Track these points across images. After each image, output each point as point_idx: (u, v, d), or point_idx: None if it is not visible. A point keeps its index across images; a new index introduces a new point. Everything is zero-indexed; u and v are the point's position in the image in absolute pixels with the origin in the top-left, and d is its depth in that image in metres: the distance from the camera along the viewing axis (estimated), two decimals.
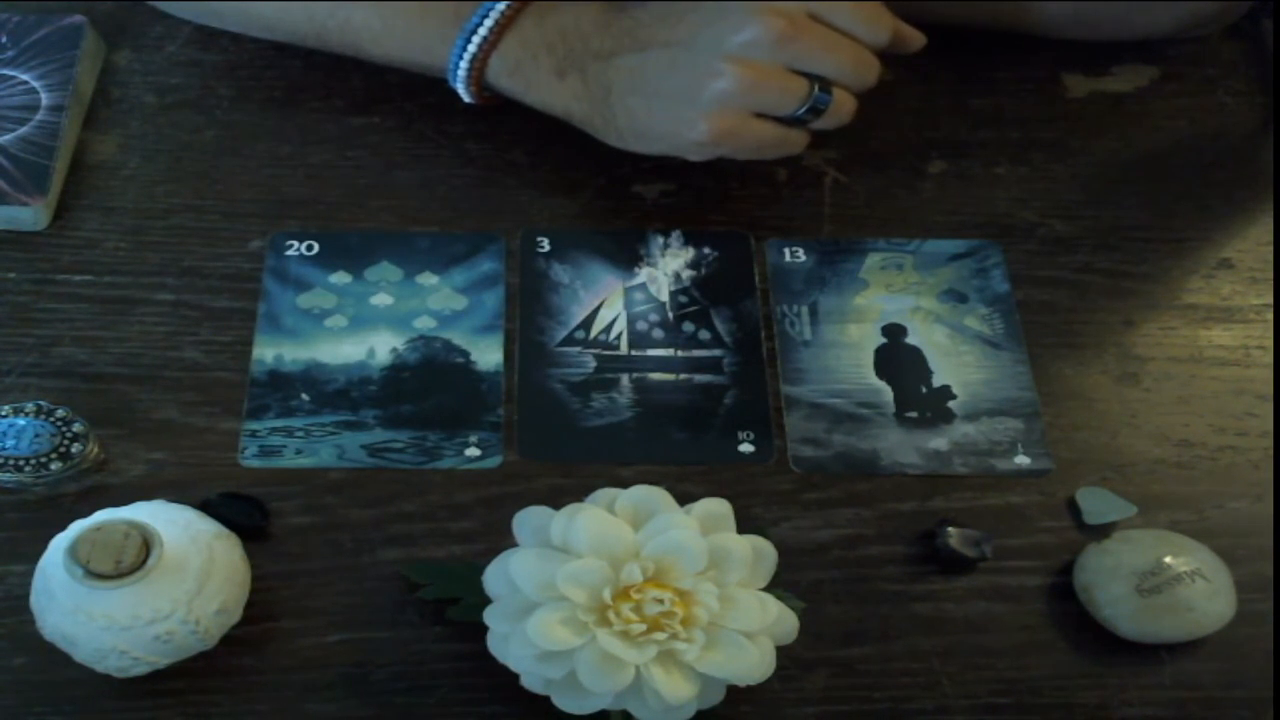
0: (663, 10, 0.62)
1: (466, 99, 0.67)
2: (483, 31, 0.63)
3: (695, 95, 0.61)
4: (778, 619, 0.50)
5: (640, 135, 0.64)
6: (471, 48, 0.64)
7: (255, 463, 0.59)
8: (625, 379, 0.62)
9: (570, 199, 0.68)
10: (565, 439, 0.60)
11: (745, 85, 0.60)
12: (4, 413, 0.58)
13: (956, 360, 0.64)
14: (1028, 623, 0.56)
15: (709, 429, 0.61)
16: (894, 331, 0.65)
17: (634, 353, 0.63)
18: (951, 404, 0.62)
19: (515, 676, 0.50)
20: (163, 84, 0.72)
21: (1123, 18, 0.73)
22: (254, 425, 0.60)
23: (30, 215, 0.65)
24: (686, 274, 0.66)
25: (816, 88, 0.62)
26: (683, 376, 0.63)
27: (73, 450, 0.57)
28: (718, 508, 0.51)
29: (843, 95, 0.63)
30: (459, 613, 0.54)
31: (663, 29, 0.61)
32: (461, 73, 0.65)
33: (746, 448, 0.60)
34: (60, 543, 0.50)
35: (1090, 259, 0.68)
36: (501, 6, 0.63)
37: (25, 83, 0.69)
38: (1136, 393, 0.63)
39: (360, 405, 0.61)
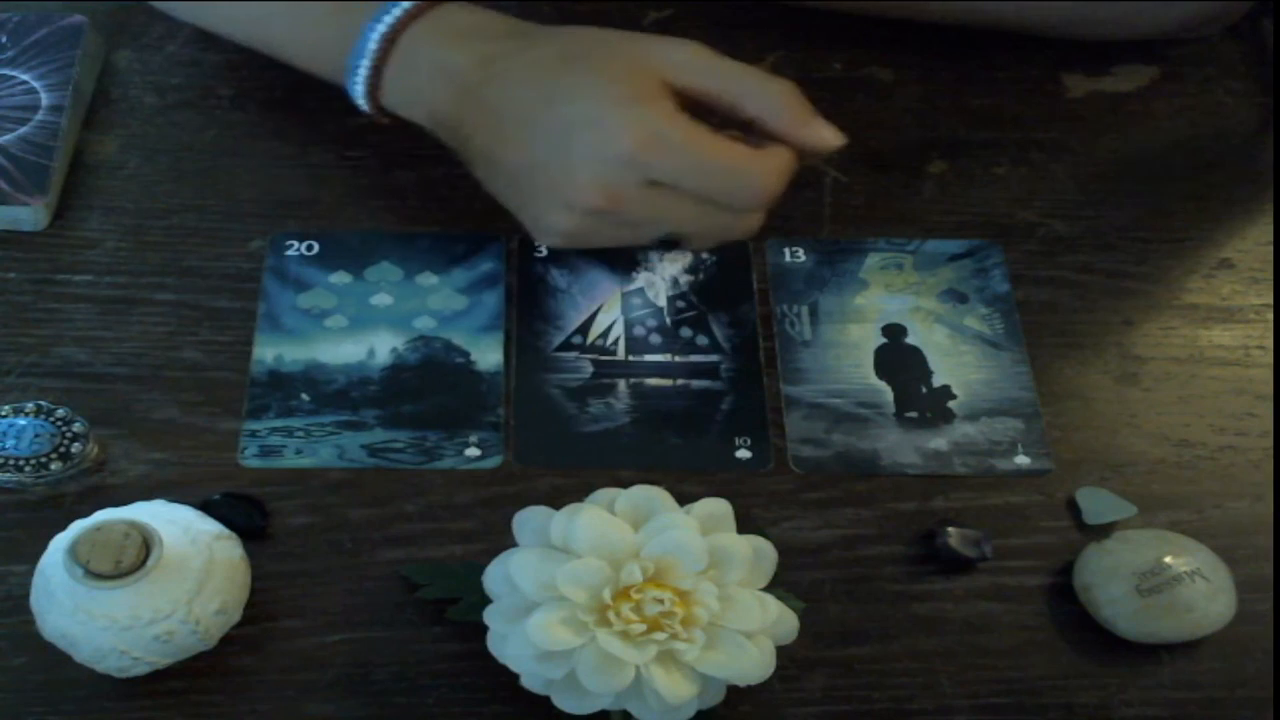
0: (517, 109, 0.59)
1: (385, 123, 0.65)
2: (363, 73, 0.62)
3: (533, 218, 0.61)
4: (778, 619, 0.50)
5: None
6: (359, 87, 0.62)
7: (255, 463, 0.59)
8: (622, 384, 0.62)
9: None
10: (562, 444, 0.60)
11: (573, 232, 0.60)
12: (4, 413, 0.58)
13: (956, 360, 0.64)
14: (1028, 623, 0.56)
15: (706, 435, 0.61)
16: (894, 331, 0.65)
17: (631, 358, 0.63)
18: (951, 404, 0.62)
19: (515, 676, 0.50)
20: (163, 84, 0.72)
21: (1124, 17, 0.73)
22: (254, 425, 0.60)
23: (30, 215, 0.65)
24: (684, 279, 0.66)
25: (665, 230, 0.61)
26: (680, 382, 0.63)
27: (73, 450, 0.57)
28: (718, 508, 0.51)
29: (701, 236, 0.62)
30: (459, 613, 0.54)
31: (514, 137, 0.59)
32: (365, 109, 0.64)
33: (743, 454, 0.60)
34: (60, 543, 0.50)
35: (1090, 259, 0.68)
36: (372, 47, 0.61)
37: (25, 83, 0.69)
38: (1136, 393, 0.63)
39: (360, 405, 0.61)
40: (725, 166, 0.57)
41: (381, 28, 0.61)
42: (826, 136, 0.59)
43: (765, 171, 0.58)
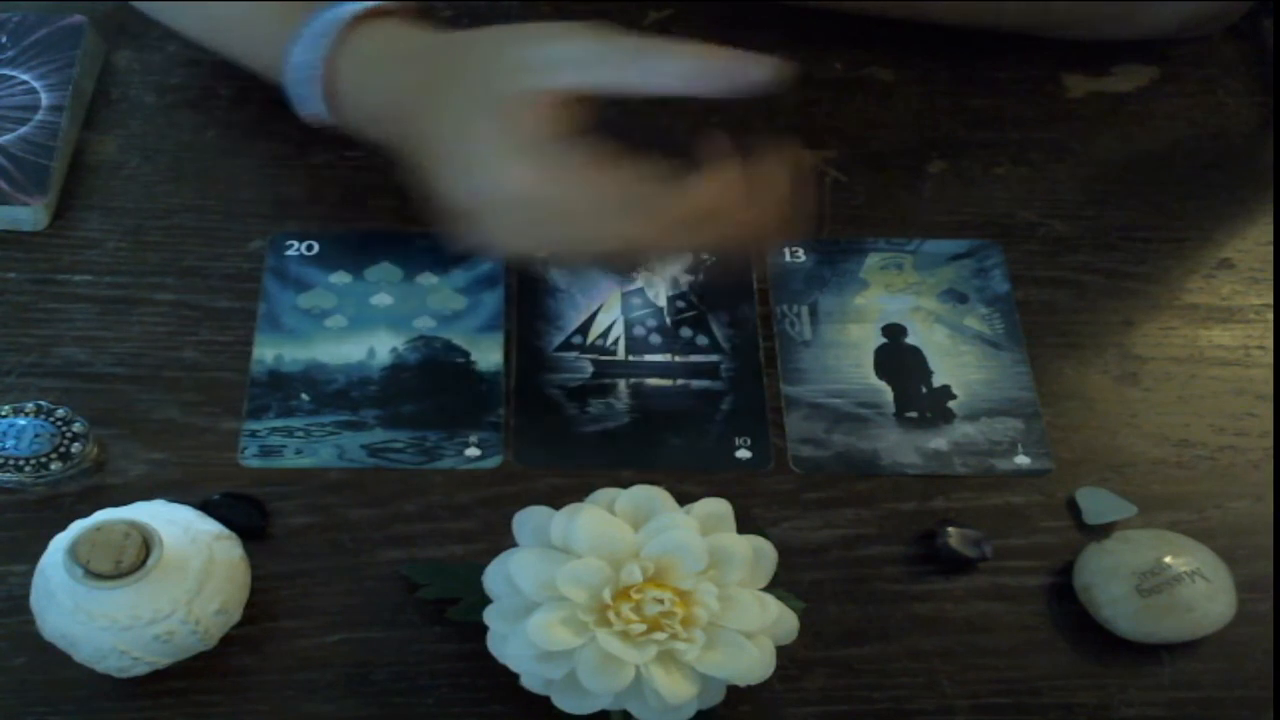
0: (434, 164, 0.58)
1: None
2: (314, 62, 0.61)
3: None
4: (778, 619, 0.50)
5: None
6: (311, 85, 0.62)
7: (255, 463, 0.59)
8: (622, 384, 0.62)
9: None
10: (562, 444, 0.60)
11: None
12: (4, 413, 0.58)
13: (956, 360, 0.64)
14: (1028, 623, 0.56)
15: (706, 435, 0.61)
16: (894, 331, 0.65)
17: (631, 358, 0.63)
18: (951, 404, 0.62)
19: (515, 676, 0.50)
20: (163, 84, 0.72)
21: (1124, 17, 0.73)
22: (254, 425, 0.60)
23: (30, 215, 0.65)
24: (684, 279, 0.66)
25: None
26: (680, 382, 0.63)
27: (73, 450, 0.57)
28: (718, 508, 0.51)
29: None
30: (459, 613, 0.54)
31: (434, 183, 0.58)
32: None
33: (743, 454, 0.60)
34: (60, 543, 0.50)
35: (1090, 259, 0.68)
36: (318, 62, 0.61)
37: (25, 83, 0.69)
38: (1136, 393, 0.63)
39: (360, 405, 0.61)
40: (590, 235, 0.55)
41: (315, 57, 0.60)
42: (756, 73, 0.53)
43: (657, 195, 0.54)
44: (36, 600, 0.50)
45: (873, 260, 0.67)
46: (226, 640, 0.52)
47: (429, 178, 0.59)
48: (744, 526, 0.51)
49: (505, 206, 0.56)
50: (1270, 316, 0.66)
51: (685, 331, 0.64)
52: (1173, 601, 0.55)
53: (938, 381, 0.63)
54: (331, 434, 0.60)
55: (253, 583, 0.53)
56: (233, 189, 0.68)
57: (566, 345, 0.63)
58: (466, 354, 0.63)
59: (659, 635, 0.48)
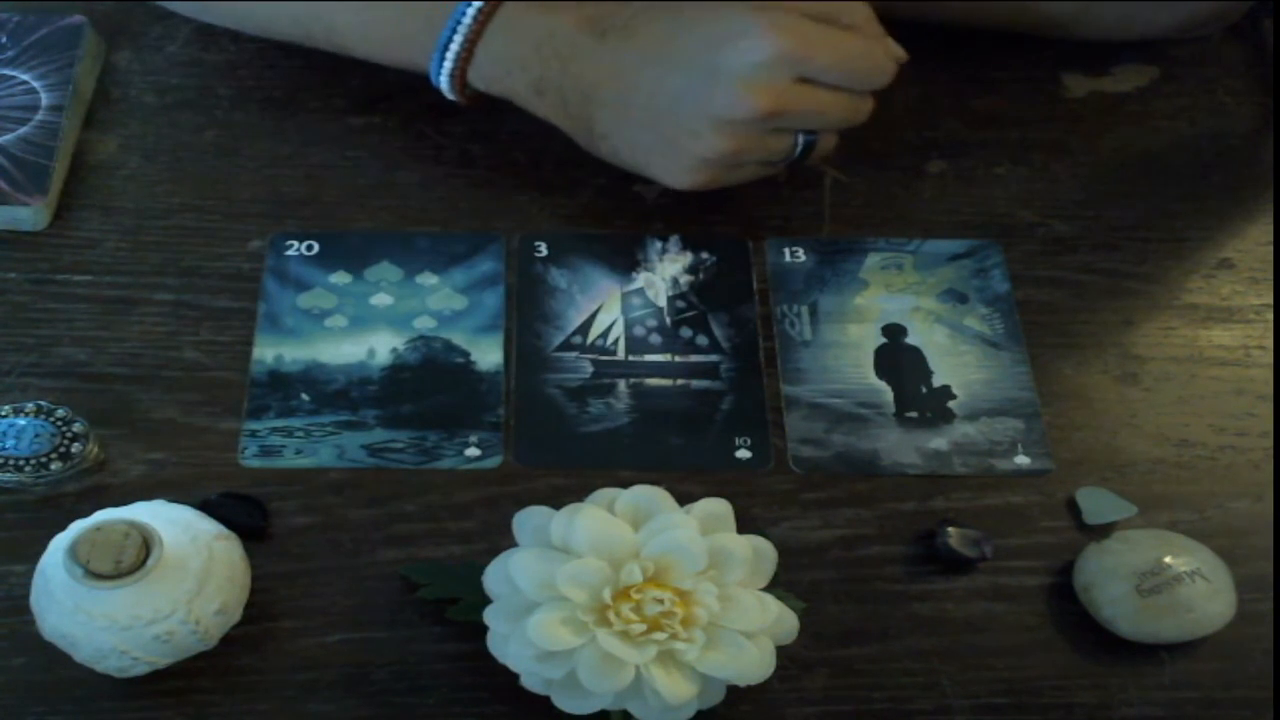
0: (645, 47, 0.61)
1: (463, 103, 0.67)
2: (454, 48, 0.63)
3: (677, 153, 0.62)
4: (778, 619, 0.50)
5: (623, 163, 0.65)
6: (448, 64, 0.64)
7: (255, 463, 0.59)
8: (622, 384, 0.62)
9: (570, 199, 0.68)
10: (562, 445, 0.60)
11: (727, 153, 0.62)
12: (4, 413, 0.58)
13: (956, 360, 0.64)
14: (1028, 623, 0.56)
15: (706, 435, 0.61)
16: (894, 331, 0.65)
17: (631, 358, 0.63)
18: (951, 404, 0.62)
19: (515, 676, 0.50)
20: (163, 84, 0.72)
21: (1123, 17, 0.73)
22: (254, 425, 0.60)
23: (30, 215, 0.65)
24: (684, 279, 0.66)
25: (800, 136, 0.63)
26: (680, 382, 0.63)
27: (73, 450, 0.57)
28: (718, 508, 0.51)
29: (829, 135, 0.64)
30: (459, 613, 0.54)
31: (646, 72, 0.61)
32: (445, 85, 0.65)
33: (743, 454, 0.60)
34: (60, 543, 0.50)
35: (1090, 259, 0.68)
36: (468, 21, 0.62)
37: (25, 83, 0.69)
38: (1136, 393, 0.63)
39: (360, 405, 0.61)
40: (860, 52, 0.60)
41: (478, 2, 0.62)
42: None
43: (885, 51, 0.62)
44: (36, 600, 0.50)
45: (873, 260, 0.67)
46: (226, 640, 0.52)
47: (623, 105, 0.61)
48: (744, 526, 0.51)
49: (762, 74, 0.59)
50: (1270, 316, 0.66)
51: (685, 331, 0.64)
52: (1173, 601, 0.55)
53: (938, 381, 0.63)
54: (331, 434, 0.60)
55: (253, 583, 0.53)
56: (233, 189, 0.68)
57: (566, 345, 0.63)
58: (466, 354, 0.63)
59: (659, 635, 0.48)
